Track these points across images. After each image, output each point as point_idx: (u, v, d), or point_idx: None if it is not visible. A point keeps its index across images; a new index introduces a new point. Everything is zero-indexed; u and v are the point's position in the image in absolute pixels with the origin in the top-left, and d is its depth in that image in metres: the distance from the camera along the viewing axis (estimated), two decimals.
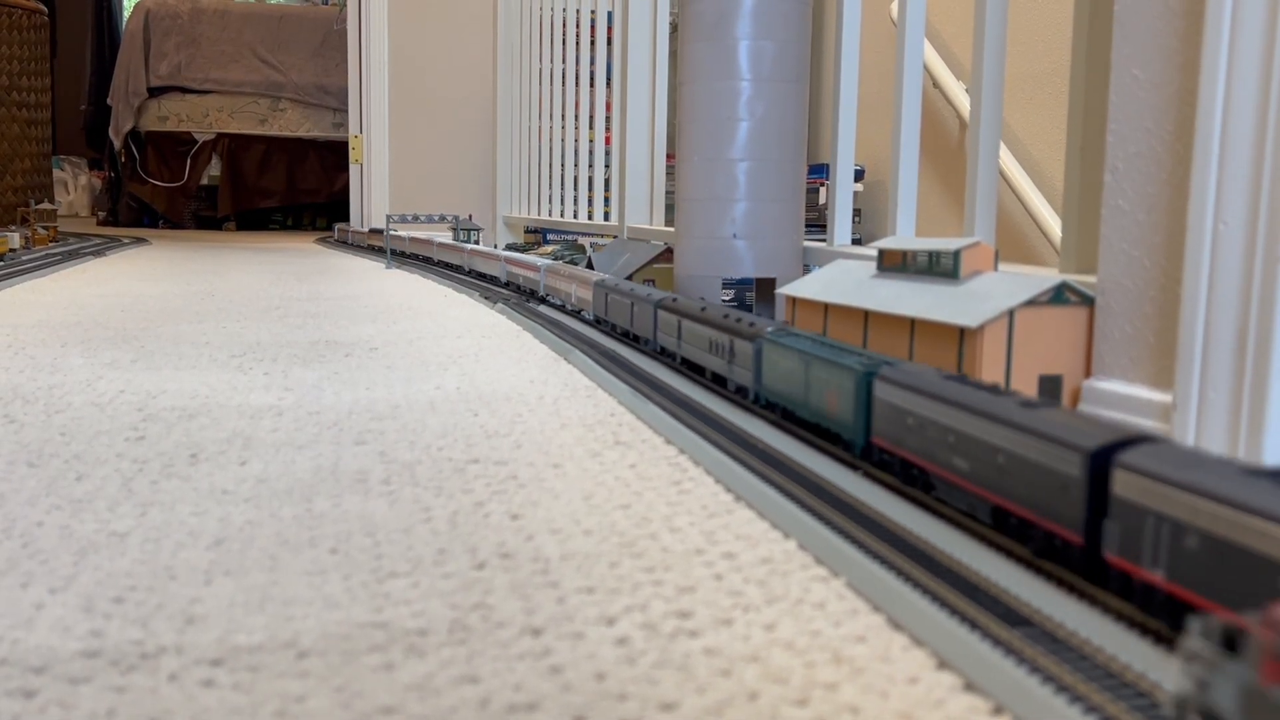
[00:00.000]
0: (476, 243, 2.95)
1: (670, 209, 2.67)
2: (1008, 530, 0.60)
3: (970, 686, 0.47)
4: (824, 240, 1.59)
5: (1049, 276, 0.92)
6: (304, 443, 0.91)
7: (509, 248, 3.16)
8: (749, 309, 1.75)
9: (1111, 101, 0.87)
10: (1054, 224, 2.50)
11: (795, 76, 1.46)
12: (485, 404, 1.09)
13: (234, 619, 0.54)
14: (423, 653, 0.50)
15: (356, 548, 0.65)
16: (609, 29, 2.94)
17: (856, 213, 3.04)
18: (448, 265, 2.81)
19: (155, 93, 5.63)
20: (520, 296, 2.07)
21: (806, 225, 1.55)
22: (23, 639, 0.51)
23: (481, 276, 2.50)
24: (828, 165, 3.24)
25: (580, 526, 0.69)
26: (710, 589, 0.58)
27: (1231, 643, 0.34)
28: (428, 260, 3.03)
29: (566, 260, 2.39)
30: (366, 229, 4.02)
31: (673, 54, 2.52)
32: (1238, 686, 0.33)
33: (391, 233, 3.28)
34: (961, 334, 0.89)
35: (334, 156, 5.72)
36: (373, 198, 4.49)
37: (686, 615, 0.55)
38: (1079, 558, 0.53)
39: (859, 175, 3.23)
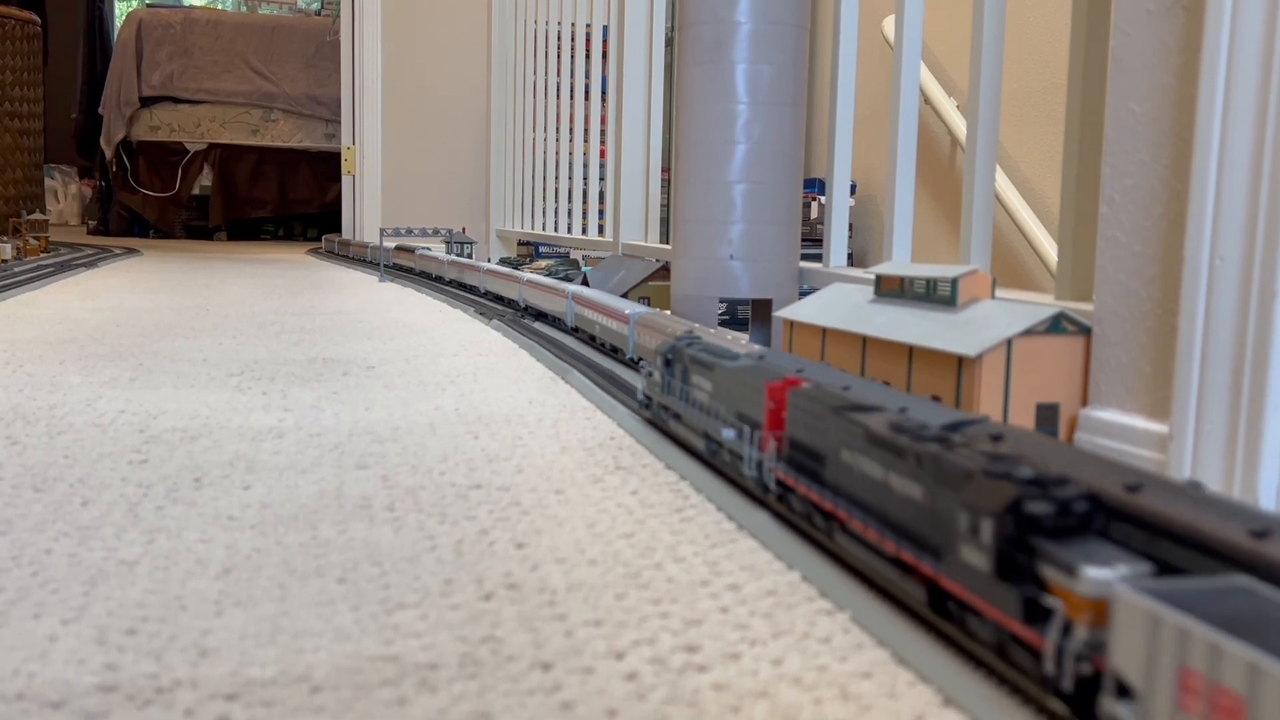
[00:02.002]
0: (470, 256, 2.96)
1: (665, 224, 2.68)
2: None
3: None
4: (819, 260, 1.60)
5: (1046, 306, 0.93)
6: (306, 466, 0.92)
7: (503, 262, 3.17)
8: (742, 325, 1.76)
9: (1108, 135, 0.89)
10: (1045, 241, 2.52)
11: (792, 100, 1.47)
12: (485, 426, 1.09)
13: (246, 652, 0.54)
14: (434, 687, 0.51)
15: (364, 577, 0.65)
16: (604, 43, 2.95)
17: (849, 228, 3.06)
18: (461, 285, 2.59)
19: (147, 102, 5.63)
20: (515, 313, 2.07)
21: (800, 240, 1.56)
22: (38, 672, 0.51)
23: (499, 299, 2.26)
24: (820, 180, 3.26)
25: (585, 556, 0.70)
26: (717, 622, 0.59)
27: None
28: (437, 279, 2.83)
29: (560, 276, 2.40)
30: (366, 241, 4.00)
31: (668, 68, 2.53)
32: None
33: (389, 247, 3.28)
34: (960, 363, 0.90)
35: (326, 167, 5.73)
36: (365, 209, 4.49)
37: (694, 649, 0.55)
38: None
39: (851, 191, 3.25)
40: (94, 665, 0.52)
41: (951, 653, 0.52)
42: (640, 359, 1.32)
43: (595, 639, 0.56)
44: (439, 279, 2.83)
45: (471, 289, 2.51)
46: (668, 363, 0.98)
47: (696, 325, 1.21)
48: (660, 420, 1.01)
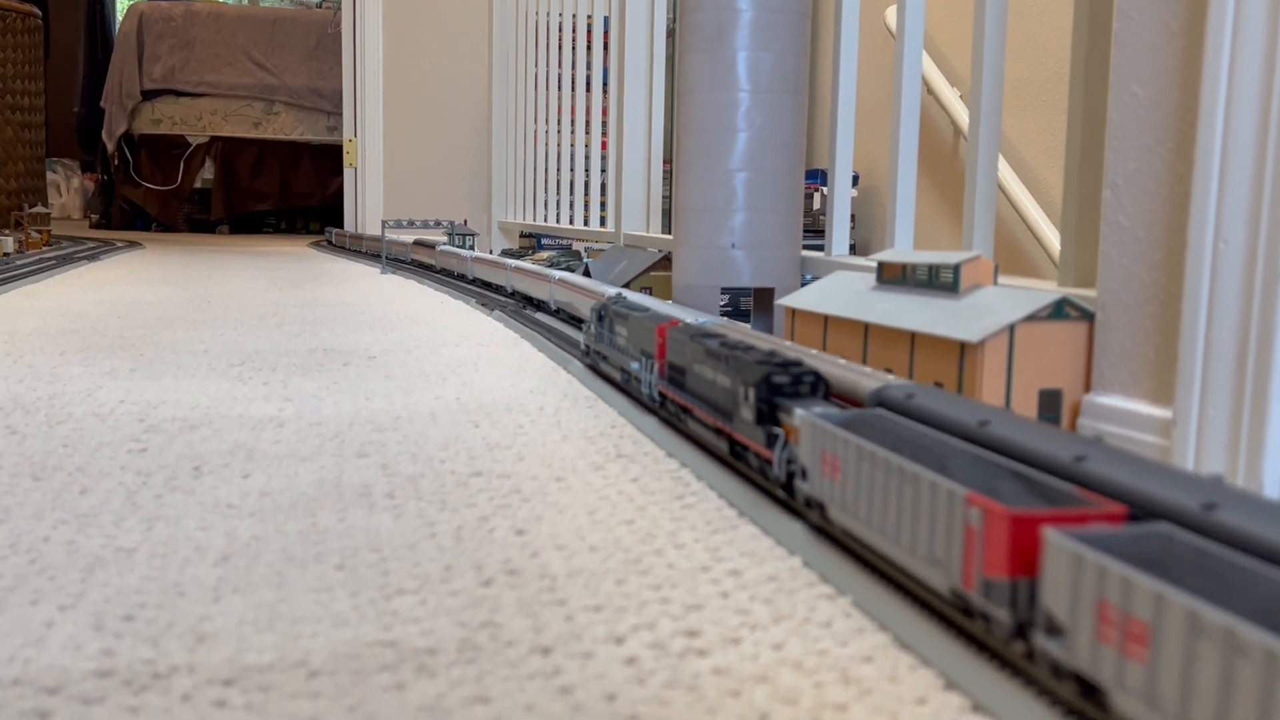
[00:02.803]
0: (472, 248, 2.95)
1: (666, 215, 2.68)
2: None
3: (978, 707, 0.47)
4: (821, 250, 1.59)
5: (1049, 291, 0.93)
6: (306, 455, 0.91)
7: (504, 254, 3.16)
8: (745, 316, 1.75)
9: (1111, 119, 0.88)
10: (1047, 229, 2.52)
11: (793, 88, 1.46)
12: (486, 415, 1.09)
13: (244, 637, 0.54)
14: (433, 672, 0.50)
15: (363, 564, 0.65)
16: (605, 34, 2.95)
17: (851, 219, 3.06)
18: (486, 284, 2.38)
19: (149, 95, 5.63)
20: (518, 303, 2.07)
21: (803, 231, 1.56)
22: (34, 658, 0.51)
23: (528, 300, 2.03)
24: (822, 171, 3.25)
25: (585, 542, 0.69)
26: (717, 607, 0.59)
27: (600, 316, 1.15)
28: (459, 277, 2.60)
29: (563, 267, 2.40)
30: (364, 232, 3.99)
31: (669, 59, 2.52)
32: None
33: (407, 241, 3.28)
34: (962, 349, 0.89)
35: (328, 160, 5.72)
36: (367, 202, 4.49)
37: (694, 634, 0.55)
38: None
39: (853, 181, 3.24)
40: (91, 651, 0.52)
41: (953, 636, 0.52)
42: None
43: (595, 624, 0.56)
44: (461, 277, 2.59)
45: (499, 289, 2.25)
46: (599, 317, 1.23)
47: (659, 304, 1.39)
48: (595, 363, 1.27)
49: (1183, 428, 0.78)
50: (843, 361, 0.88)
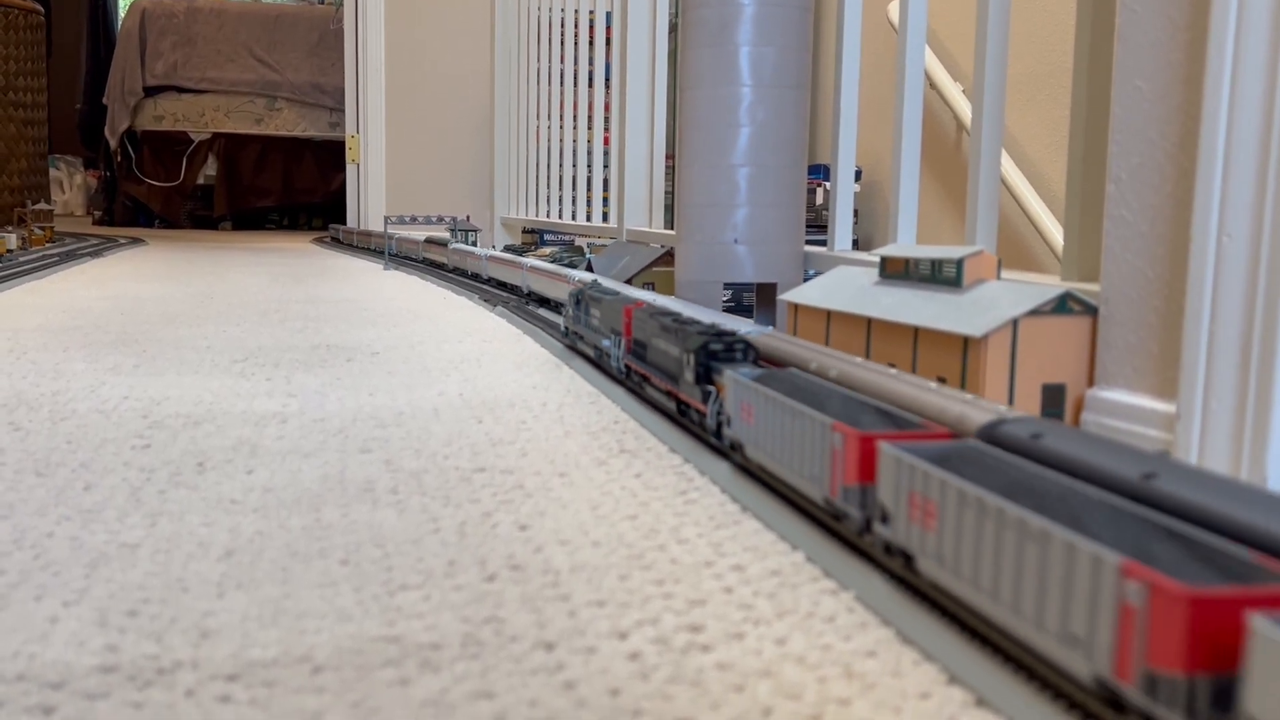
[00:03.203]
0: (474, 244, 2.95)
1: (669, 210, 2.68)
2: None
3: (982, 702, 0.47)
4: (824, 245, 1.59)
5: (1052, 286, 0.93)
6: (310, 450, 0.91)
7: (508, 249, 3.16)
8: (748, 312, 1.75)
9: (1114, 113, 0.88)
10: (1049, 224, 2.51)
11: (796, 82, 1.46)
12: (489, 410, 1.09)
13: (248, 633, 0.54)
14: (437, 667, 0.50)
15: (366, 559, 0.65)
16: (607, 29, 2.94)
17: (854, 214, 3.05)
18: (502, 285, 2.30)
19: (151, 92, 5.63)
20: (519, 299, 2.07)
21: (805, 227, 1.55)
22: (39, 654, 0.51)
23: (544, 302, 1.97)
24: (825, 166, 3.25)
25: (589, 538, 0.69)
26: (720, 602, 0.59)
27: (578, 300, 1.35)
28: (474, 277, 2.52)
29: (565, 263, 2.40)
30: (372, 229, 3.98)
31: (671, 55, 2.52)
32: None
33: (390, 235, 3.28)
34: (965, 343, 0.89)
35: (330, 156, 5.72)
36: (369, 198, 4.49)
37: (698, 629, 0.55)
38: None
39: (856, 176, 3.23)
40: (95, 646, 0.52)
41: (956, 631, 0.52)
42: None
43: (598, 619, 0.56)
44: (476, 277, 2.50)
45: (514, 289, 2.19)
46: (577, 301, 1.38)
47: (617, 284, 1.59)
48: (573, 341, 1.43)
49: (1186, 422, 0.78)
50: (950, 391, 0.75)
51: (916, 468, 0.55)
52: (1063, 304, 0.89)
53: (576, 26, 3.21)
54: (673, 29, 2.79)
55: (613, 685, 0.49)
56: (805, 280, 1.50)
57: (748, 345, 0.90)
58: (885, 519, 0.58)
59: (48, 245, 3.56)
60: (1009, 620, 0.47)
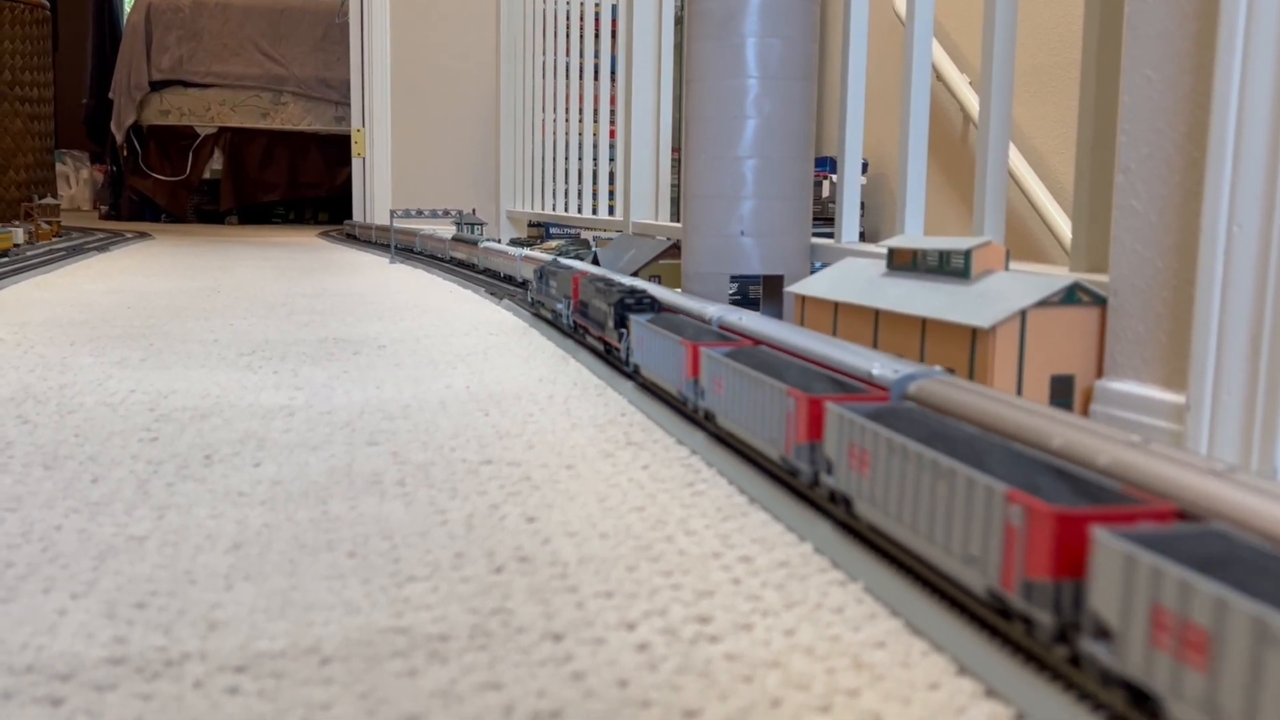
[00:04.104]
0: (480, 236, 2.94)
1: (675, 203, 2.67)
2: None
3: (991, 693, 0.47)
4: (831, 237, 1.59)
5: (1061, 277, 0.92)
6: (317, 443, 0.91)
7: (513, 243, 3.16)
8: (755, 304, 1.75)
9: (1123, 102, 0.87)
10: (1058, 216, 2.50)
11: (802, 74, 1.45)
12: (496, 403, 1.09)
13: (256, 625, 0.54)
14: (445, 659, 0.50)
15: (374, 551, 0.65)
16: (613, 22, 2.94)
17: (861, 206, 3.05)
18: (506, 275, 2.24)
19: (157, 86, 5.63)
20: (526, 292, 2.06)
21: (812, 219, 1.55)
22: (47, 645, 0.51)
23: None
24: (832, 158, 3.24)
25: (596, 529, 0.69)
26: (729, 593, 0.59)
27: (540, 274, 1.66)
28: (506, 279, 2.31)
29: (571, 255, 2.39)
30: (374, 223, 3.96)
31: (677, 47, 2.51)
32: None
33: (425, 234, 3.27)
34: (974, 335, 0.89)
35: (336, 150, 5.73)
36: (375, 192, 4.49)
37: (706, 620, 0.55)
38: None
39: (862, 169, 3.23)
40: (103, 638, 0.52)
41: (965, 622, 0.52)
42: (524, 280, 2.07)
43: (606, 610, 0.56)
44: (509, 279, 2.28)
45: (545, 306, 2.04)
46: (540, 275, 1.67)
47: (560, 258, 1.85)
48: (536, 308, 1.71)
49: (1196, 413, 0.78)
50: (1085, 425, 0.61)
51: (856, 422, 0.62)
52: (1071, 295, 0.89)
53: (582, 19, 3.20)
54: (679, 21, 2.78)
55: (621, 676, 0.49)
56: (813, 272, 1.50)
57: (653, 300, 1.17)
58: (830, 470, 0.66)
59: (54, 240, 3.57)
60: (926, 549, 0.54)
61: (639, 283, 1.38)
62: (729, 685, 0.48)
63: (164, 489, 0.77)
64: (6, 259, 2.69)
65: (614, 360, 1.22)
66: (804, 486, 0.70)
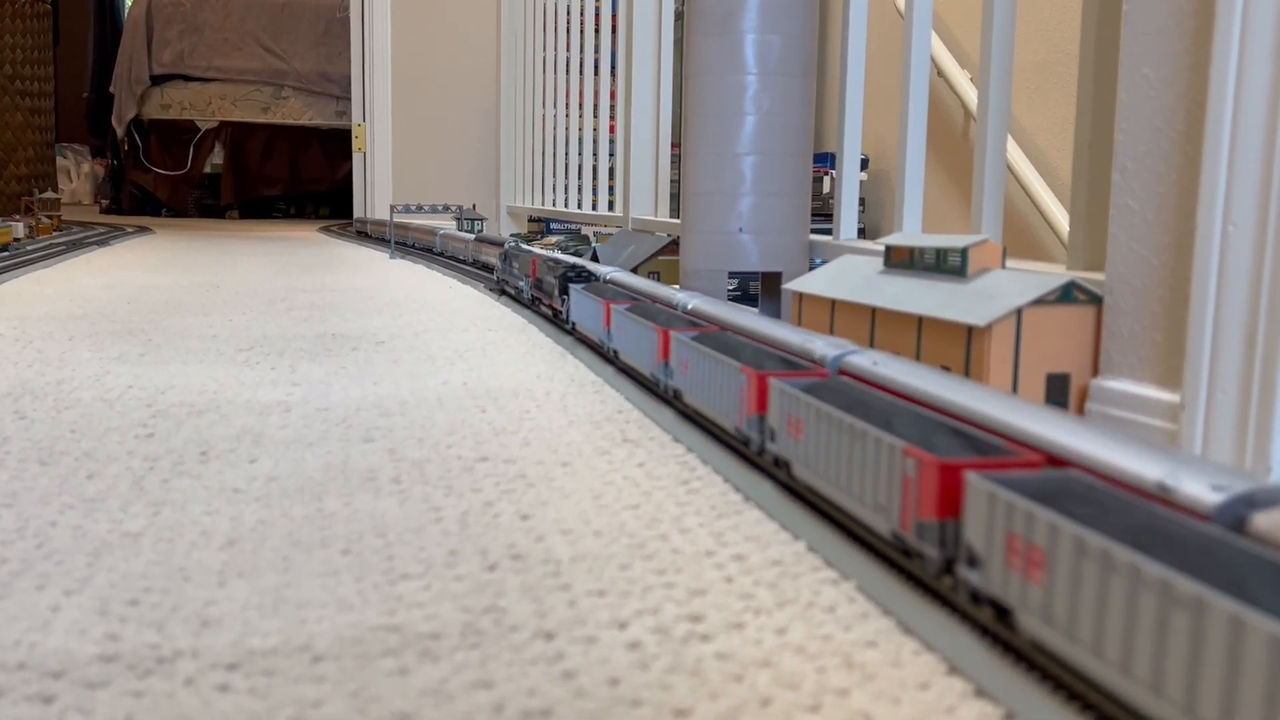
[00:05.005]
0: (480, 231, 2.94)
1: (675, 199, 2.67)
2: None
3: (981, 692, 0.47)
4: (830, 234, 1.59)
5: (1057, 275, 0.92)
6: (313, 440, 0.92)
7: (514, 237, 3.15)
8: (753, 301, 1.75)
9: (1121, 100, 0.87)
10: (1058, 213, 2.50)
11: (802, 71, 1.45)
12: (493, 400, 1.09)
13: (249, 622, 0.54)
14: (436, 657, 0.50)
15: (368, 548, 0.65)
16: (613, 17, 2.93)
17: (861, 202, 3.04)
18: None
19: (158, 81, 5.63)
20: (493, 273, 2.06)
21: (812, 215, 1.55)
22: (40, 642, 0.51)
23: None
24: (832, 154, 3.24)
25: (590, 527, 0.69)
26: (721, 592, 0.59)
27: (505, 257, 1.99)
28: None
29: (571, 251, 2.39)
30: (430, 227, 3.83)
31: (677, 43, 2.51)
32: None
33: (446, 233, 3.27)
34: (969, 333, 0.89)
35: (337, 145, 5.72)
36: (376, 187, 4.49)
37: (698, 619, 0.55)
38: None
39: (862, 165, 3.22)
40: (95, 635, 0.52)
41: (956, 621, 0.52)
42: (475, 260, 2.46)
43: (598, 609, 0.56)
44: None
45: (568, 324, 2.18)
46: (504, 258, 1.99)
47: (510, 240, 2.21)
48: (502, 287, 2.00)
49: (1191, 412, 0.78)
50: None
51: (792, 395, 0.70)
52: (1067, 293, 0.89)
53: (583, 15, 3.20)
54: (679, 16, 2.78)
55: (612, 675, 0.49)
56: (812, 268, 1.50)
57: (589, 274, 1.47)
58: (773, 438, 0.74)
59: (55, 234, 3.57)
60: (847, 501, 0.63)
61: (579, 261, 1.69)
62: (719, 684, 0.48)
63: (159, 485, 0.77)
64: (6, 254, 2.69)
65: (559, 323, 1.52)
66: (753, 454, 0.79)
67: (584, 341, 1.35)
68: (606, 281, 1.43)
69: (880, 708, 0.46)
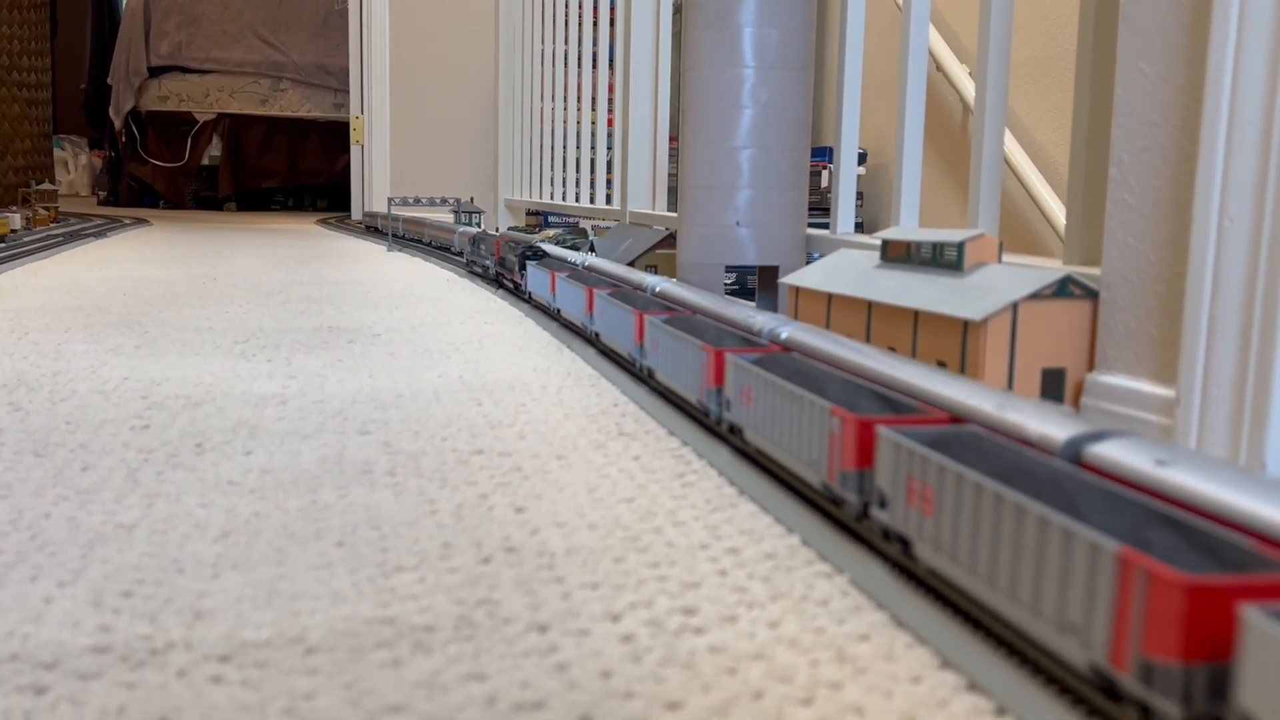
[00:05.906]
0: (479, 226, 2.94)
1: (673, 193, 2.67)
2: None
3: (973, 686, 0.47)
4: (827, 228, 1.59)
5: (1053, 269, 0.92)
6: (309, 432, 0.91)
7: (511, 229, 3.15)
8: (750, 294, 1.75)
9: (1118, 95, 0.87)
10: (1055, 207, 2.50)
11: (800, 64, 1.45)
12: (489, 393, 1.09)
13: (242, 614, 0.54)
14: (429, 649, 0.50)
15: (362, 541, 0.65)
16: (612, 10, 2.93)
17: (859, 196, 3.04)
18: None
19: (156, 72, 5.62)
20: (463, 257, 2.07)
21: (809, 209, 1.55)
22: (33, 634, 0.51)
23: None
24: (829, 148, 3.23)
25: (585, 520, 0.69)
26: (715, 585, 0.59)
27: (473, 240, 2.34)
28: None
29: (568, 244, 2.38)
30: (442, 223, 3.79)
31: (676, 36, 2.51)
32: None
33: (440, 222, 3.27)
34: (965, 327, 0.89)
35: (335, 137, 5.71)
36: (374, 179, 4.48)
37: (691, 612, 0.55)
38: None
39: (861, 159, 3.22)
40: (88, 627, 0.52)
41: (949, 615, 0.52)
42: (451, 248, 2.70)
43: (592, 601, 0.56)
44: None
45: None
46: (473, 242, 2.29)
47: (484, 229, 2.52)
48: (470, 265, 2.30)
49: (1186, 406, 0.78)
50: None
51: (744, 367, 0.79)
52: (1063, 288, 0.89)
53: (581, 8, 3.19)
54: (677, 10, 2.77)
55: (605, 668, 0.49)
56: (809, 262, 1.50)
57: (544, 252, 1.75)
58: (729, 407, 0.82)
59: (52, 225, 3.56)
60: (786, 459, 0.71)
61: (534, 239, 2.06)
62: (712, 677, 0.48)
63: (154, 477, 0.77)
64: (3, 245, 2.69)
65: (520, 294, 1.79)
66: (713, 423, 0.87)
67: (540, 308, 1.63)
68: (585, 268, 1.61)
69: (873, 701, 0.46)
